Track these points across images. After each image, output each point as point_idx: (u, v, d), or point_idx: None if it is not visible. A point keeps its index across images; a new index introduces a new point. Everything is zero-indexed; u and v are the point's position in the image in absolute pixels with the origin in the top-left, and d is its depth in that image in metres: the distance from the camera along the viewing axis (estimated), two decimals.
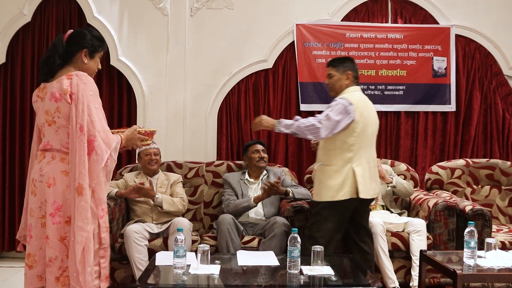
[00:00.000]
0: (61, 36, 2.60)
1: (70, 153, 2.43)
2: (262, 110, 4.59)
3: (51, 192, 2.44)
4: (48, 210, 2.44)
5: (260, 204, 3.92)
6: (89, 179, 2.40)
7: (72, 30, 2.63)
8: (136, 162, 4.22)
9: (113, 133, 2.58)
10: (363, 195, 3.17)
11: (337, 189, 3.16)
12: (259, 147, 4.13)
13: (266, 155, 4.13)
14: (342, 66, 3.34)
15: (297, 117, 3.25)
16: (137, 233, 3.52)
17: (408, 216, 4.00)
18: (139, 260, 3.47)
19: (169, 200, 3.80)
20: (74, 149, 2.41)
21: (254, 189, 4.05)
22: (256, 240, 3.70)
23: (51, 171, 2.46)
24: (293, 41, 4.63)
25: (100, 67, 2.67)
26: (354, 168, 3.16)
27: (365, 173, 3.20)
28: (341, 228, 3.27)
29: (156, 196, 3.75)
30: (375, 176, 3.36)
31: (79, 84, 2.44)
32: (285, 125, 3.20)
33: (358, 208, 3.28)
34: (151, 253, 3.46)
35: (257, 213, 3.93)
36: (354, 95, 3.26)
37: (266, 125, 3.29)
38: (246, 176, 4.12)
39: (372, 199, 3.40)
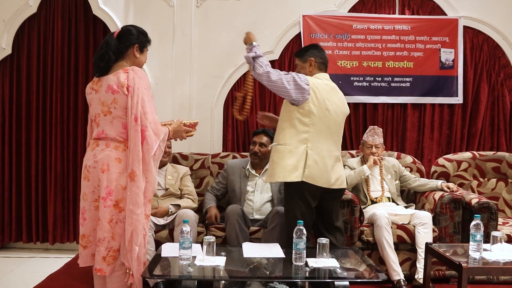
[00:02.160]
0: (111, 33, 2.83)
1: (128, 141, 2.65)
2: (268, 101, 4.59)
3: (104, 177, 2.65)
4: (101, 194, 2.66)
5: (269, 197, 3.86)
6: (142, 166, 2.64)
7: (120, 28, 2.87)
8: None
9: (162, 125, 2.81)
10: (307, 179, 3.04)
11: (291, 169, 3.06)
12: (259, 139, 3.91)
13: (265, 149, 3.85)
14: (304, 54, 3.31)
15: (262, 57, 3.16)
16: None
17: (415, 208, 3.99)
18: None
19: (182, 203, 3.81)
20: (129, 138, 2.64)
21: (256, 184, 3.91)
22: (262, 231, 3.70)
23: (105, 158, 2.67)
24: (300, 33, 4.61)
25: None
26: (308, 151, 3.07)
27: (320, 160, 3.09)
28: (309, 211, 3.13)
29: (170, 210, 3.76)
30: (337, 169, 3.20)
31: (135, 78, 2.66)
32: (252, 51, 3.15)
33: (322, 199, 3.17)
34: (157, 244, 3.47)
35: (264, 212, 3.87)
36: (316, 79, 3.18)
37: (247, 40, 3.24)
38: (249, 166, 3.97)
39: (339, 194, 3.28)
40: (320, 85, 3.16)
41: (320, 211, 3.24)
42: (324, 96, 3.14)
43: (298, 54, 3.38)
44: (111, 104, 2.68)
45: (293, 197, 3.14)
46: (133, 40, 2.79)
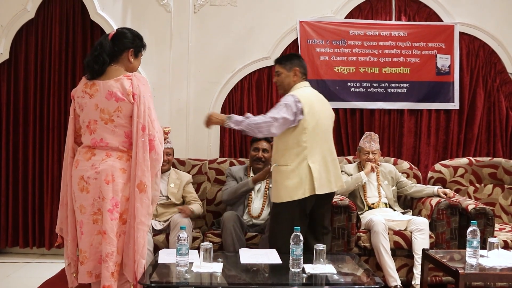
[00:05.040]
0: (105, 35, 2.71)
1: (132, 151, 2.55)
2: (265, 107, 4.58)
3: (109, 189, 2.52)
4: (106, 206, 2.51)
5: (266, 202, 3.86)
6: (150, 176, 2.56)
7: (115, 30, 2.74)
8: None
9: None
10: (319, 191, 3.11)
11: (296, 188, 3.11)
12: (261, 145, 3.93)
13: (268, 154, 3.89)
14: (289, 63, 3.31)
15: (248, 114, 3.19)
16: None
17: (411, 214, 3.99)
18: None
19: (195, 209, 3.83)
20: (136, 148, 2.53)
21: (258, 190, 3.92)
22: (259, 237, 3.70)
23: (109, 169, 2.54)
24: (297, 38, 4.63)
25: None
26: (310, 165, 3.12)
27: (321, 168, 3.16)
28: (301, 225, 3.11)
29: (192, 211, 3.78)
30: (334, 170, 3.28)
31: (140, 86, 2.58)
32: (235, 121, 3.11)
33: (315, 205, 3.22)
34: (155, 249, 3.47)
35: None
36: (302, 92, 3.23)
37: (216, 121, 3.17)
38: (252, 174, 3.94)
39: (330, 196, 3.33)
40: (307, 97, 3.21)
41: (311, 217, 3.27)
42: (314, 107, 3.20)
43: (282, 61, 3.36)
44: (114, 112, 2.56)
45: (292, 213, 3.12)
46: (128, 44, 2.68)
